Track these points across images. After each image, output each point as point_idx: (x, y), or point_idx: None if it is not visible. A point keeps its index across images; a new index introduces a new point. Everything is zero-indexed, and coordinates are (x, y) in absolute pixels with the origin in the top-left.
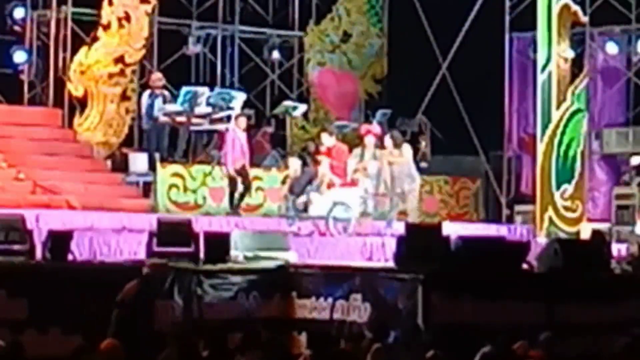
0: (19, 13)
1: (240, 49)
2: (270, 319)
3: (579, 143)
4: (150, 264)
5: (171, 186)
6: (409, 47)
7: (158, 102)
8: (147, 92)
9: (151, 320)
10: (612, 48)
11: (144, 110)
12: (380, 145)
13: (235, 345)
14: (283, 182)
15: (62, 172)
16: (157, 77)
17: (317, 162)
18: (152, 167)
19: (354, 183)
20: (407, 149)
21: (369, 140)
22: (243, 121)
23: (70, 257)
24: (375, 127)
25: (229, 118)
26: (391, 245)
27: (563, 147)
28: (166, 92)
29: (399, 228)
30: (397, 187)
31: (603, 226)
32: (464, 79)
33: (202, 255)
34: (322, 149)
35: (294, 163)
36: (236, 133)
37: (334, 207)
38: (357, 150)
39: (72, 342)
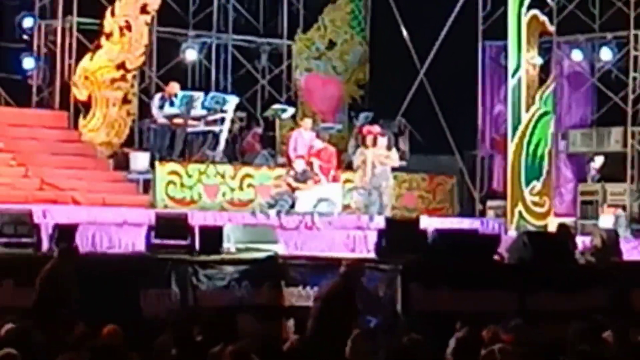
0: (27, 22)
1: (233, 56)
2: (260, 306)
3: (547, 143)
4: (348, 262)
5: (169, 183)
6: (389, 54)
7: (167, 105)
8: (158, 95)
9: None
10: (577, 55)
11: (155, 111)
12: (374, 143)
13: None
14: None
15: (68, 170)
16: (174, 86)
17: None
18: (151, 165)
19: (335, 180)
20: (395, 153)
21: (369, 140)
22: (308, 122)
23: None
24: (375, 128)
25: (222, 120)
26: (372, 237)
27: (532, 147)
28: (174, 98)
29: (380, 222)
30: (375, 183)
31: (569, 220)
32: (441, 84)
33: (197, 247)
34: (313, 150)
35: (300, 163)
36: (301, 134)
37: (318, 202)
38: (359, 150)
39: (76, 328)
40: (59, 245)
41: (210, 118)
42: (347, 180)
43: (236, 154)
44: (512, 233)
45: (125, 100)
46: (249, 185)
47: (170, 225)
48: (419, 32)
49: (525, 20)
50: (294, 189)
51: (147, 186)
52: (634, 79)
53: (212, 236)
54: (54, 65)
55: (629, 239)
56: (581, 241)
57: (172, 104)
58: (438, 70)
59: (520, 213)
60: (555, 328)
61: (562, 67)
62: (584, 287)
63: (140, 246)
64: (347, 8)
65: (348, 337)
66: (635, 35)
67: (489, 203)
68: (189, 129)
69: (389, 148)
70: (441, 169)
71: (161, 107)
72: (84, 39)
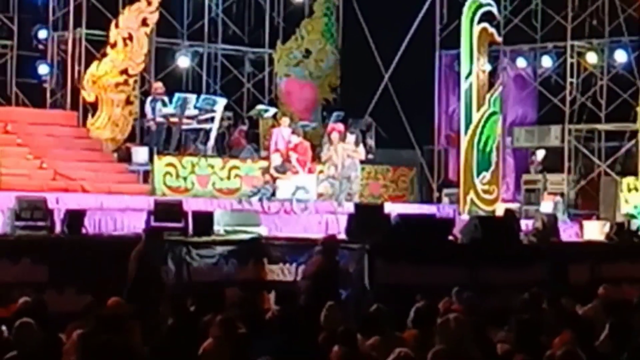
0: (42, 34)
1: (221, 63)
2: (245, 281)
3: (495, 139)
4: (323, 239)
5: (166, 174)
6: (358, 61)
7: (159, 105)
8: (149, 98)
9: (336, 287)
10: (521, 62)
11: (149, 113)
12: (342, 139)
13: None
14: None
15: (78, 162)
16: (158, 86)
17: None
18: (150, 158)
19: (311, 171)
20: (362, 148)
21: (335, 136)
22: (286, 120)
23: (83, 231)
24: (340, 126)
25: (212, 119)
26: (343, 221)
27: (482, 142)
28: (165, 97)
29: (350, 207)
30: (345, 174)
31: (514, 206)
32: (403, 87)
33: (190, 229)
34: (291, 145)
35: (277, 157)
36: (281, 131)
37: (296, 190)
38: (326, 145)
39: (84, 300)
40: (146, 229)
41: (202, 117)
42: (321, 172)
43: (224, 148)
44: (465, 217)
45: (128, 102)
46: (236, 176)
47: (167, 211)
48: (383, 42)
49: (476, 31)
50: (274, 179)
51: (147, 176)
52: (571, 83)
53: (204, 220)
54: (65, 71)
55: (566, 222)
56: (525, 224)
57: (164, 103)
58: (400, 76)
59: (472, 200)
60: (502, 299)
61: (508, 73)
62: (527, 264)
63: (141, 229)
64: (321, 21)
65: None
66: (572, 46)
67: (445, 191)
68: (184, 127)
69: (356, 144)
70: (403, 161)
71: (153, 108)
72: (92, 48)
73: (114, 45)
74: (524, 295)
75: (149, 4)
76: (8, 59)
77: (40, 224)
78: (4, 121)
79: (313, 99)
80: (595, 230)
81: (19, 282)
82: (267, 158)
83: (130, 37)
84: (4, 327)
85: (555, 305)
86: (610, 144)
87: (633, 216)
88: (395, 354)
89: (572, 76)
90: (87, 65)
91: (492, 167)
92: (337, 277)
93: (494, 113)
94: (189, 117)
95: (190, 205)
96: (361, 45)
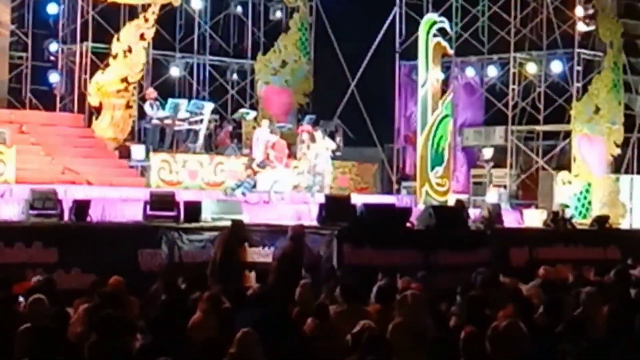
0: (53, 47)
1: (209, 72)
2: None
3: (447, 138)
4: (292, 227)
5: (160, 168)
6: (328, 71)
7: (156, 106)
8: (147, 103)
9: (301, 267)
10: (470, 72)
11: (152, 114)
12: (311, 138)
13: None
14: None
15: (84, 159)
16: (151, 91)
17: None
18: (147, 155)
19: (287, 166)
20: (328, 139)
21: (305, 136)
22: (266, 122)
23: (88, 218)
24: (308, 127)
25: (201, 121)
26: (315, 210)
27: (436, 141)
28: (157, 102)
29: (320, 198)
30: (319, 169)
31: (463, 196)
32: (367, 93)
33: (182, 217)
34: (269, 144)
35: (257, 155)
36: (261, 131)
37: (274, 183)
38: (300, 145)
39: (88, 279)
40: (232, 220)
41: (192, 119)
42: (296, 167)
43: (212, 146)
44: (421, 206)
45: (128, 106)
46: (221, 171)
47: (161, 201)
48: (350, 54)
49: (431, 45)
50: (255, 173)
51: (144, 171)
52: (513, 90)
53: (193, 209)
54: (73, 79)
55: (508, 210)
56: (472, 212)
57: (160, 105)
58: (365, 83)
59: (426, 191)
60: (452, 278)
61: (458, 81)
62: (474, 247)
63: (138, 216)
64: (296, 36)
65: (297, 285)
66: (514, 57)
67: (403, 184)
68: (176, 128)
69: (323, 137)
70: (367, 158)
71: (151, 109)
72: (96, 59)
73: (115, 57)
74: (472, 274)
75: (146, 20)
76: (23, 69)
77: (51, 212)
78: (19, 123)
79: (289, 104)
80: (534, 218)
81: (31, 263)
82: (249, 155)
83: (130, 50)
84: (21, 299)
85: (499, 283)
86: (547, 143)
87: (566, 206)
88: (361, 325)
89: (514, 84)
90: (92, 74)
91: (445, 163)
92: (301, 260)
93: (446, 116)
94: (180, 120)
95: (182, 196)
96: (331, 57)
